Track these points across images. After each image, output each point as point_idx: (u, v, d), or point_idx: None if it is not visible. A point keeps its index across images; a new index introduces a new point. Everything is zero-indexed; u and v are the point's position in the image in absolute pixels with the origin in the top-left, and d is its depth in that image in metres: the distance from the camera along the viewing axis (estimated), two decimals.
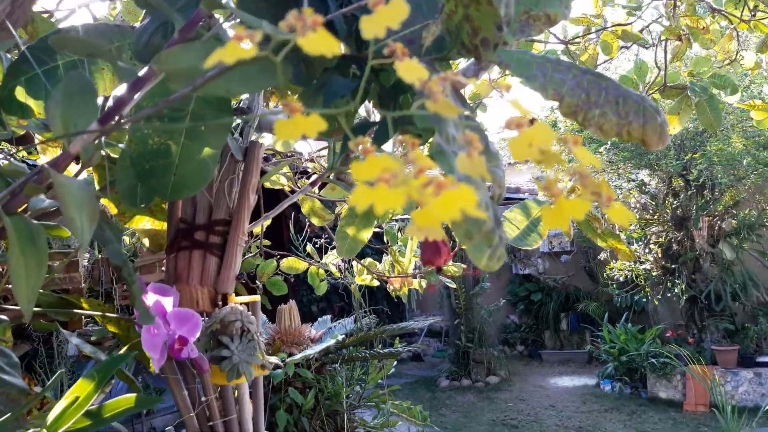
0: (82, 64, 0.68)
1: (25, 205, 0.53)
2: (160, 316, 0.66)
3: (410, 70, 0.31)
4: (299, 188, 1.66)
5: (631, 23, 1.81)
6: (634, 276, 5.85)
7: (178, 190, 0.66)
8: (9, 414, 0.55)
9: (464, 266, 2.10)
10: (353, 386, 2.53)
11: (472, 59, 0.64)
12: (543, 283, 7.56)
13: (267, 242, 2.28)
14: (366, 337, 2.63)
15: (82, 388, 0.53)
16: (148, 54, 0.52)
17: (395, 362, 2.87)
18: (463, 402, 5.41)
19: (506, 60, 0.43)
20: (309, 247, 2.49)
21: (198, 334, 0.71)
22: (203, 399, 1.00)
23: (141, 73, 0.48)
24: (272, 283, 2.23)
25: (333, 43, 0.30)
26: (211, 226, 0.82)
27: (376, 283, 2.55)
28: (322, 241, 2.73)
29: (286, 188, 1.76)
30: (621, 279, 5.95)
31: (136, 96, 0.50)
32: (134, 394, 0.57)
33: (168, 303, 0.68)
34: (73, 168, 0.86)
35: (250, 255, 2.28)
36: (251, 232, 2.36)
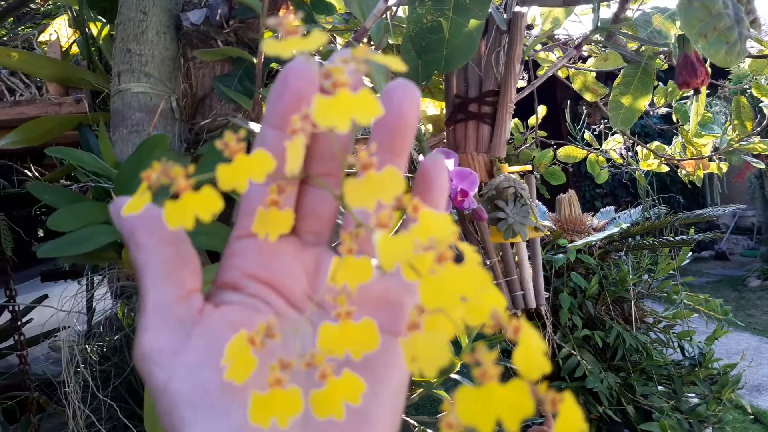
0: None
1: None
2: None
3: None
4: (573, 67, 1.63)
5: None
6: None
7: (450, 62, 0.75)
8: None
9: None
10: (640, 275, 2.45)
11: None
12: None
13: (543, 133, 2.30)
14: (654, 225, 2.49)
15: None
16: None
17: (690, 253, 2.67)
18: None
19: None
20: (587, 135, 2.43)
21: (476, 189, 0.82)
22: (486, 262, 1.13)
23: None
24: (550, 173, 2.25)
25: None
26: (482, 97, 0.90)
27: (664, 168, 2.38)
28: (601, 127, 2.62)
29: (561, 74, 1.74)
30: None
31: None
32: None
33: (450, 163, 0.80)
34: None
35: (526, 146, 2.33)
36: (527, 124, 2.40)
